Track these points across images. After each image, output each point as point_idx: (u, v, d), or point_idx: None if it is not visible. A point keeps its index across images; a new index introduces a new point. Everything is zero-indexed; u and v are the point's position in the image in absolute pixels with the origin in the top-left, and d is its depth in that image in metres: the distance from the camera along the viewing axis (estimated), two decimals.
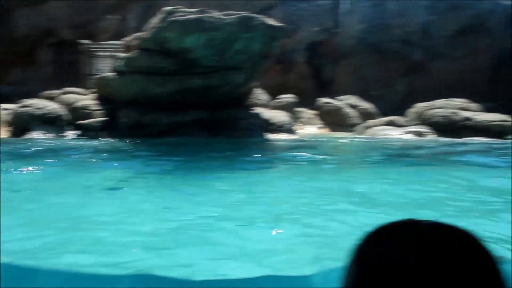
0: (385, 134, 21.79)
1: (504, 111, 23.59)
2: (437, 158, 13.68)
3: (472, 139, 20.21)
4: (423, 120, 22.48)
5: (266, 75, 23.64)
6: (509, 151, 15.05)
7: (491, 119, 21.94)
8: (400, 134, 21.61)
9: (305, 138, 19.98)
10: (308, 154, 13.33)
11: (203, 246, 4.32)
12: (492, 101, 28.89)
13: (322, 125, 24.86)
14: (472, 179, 8.97)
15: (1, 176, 7.89)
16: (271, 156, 13.87)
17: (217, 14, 18.67)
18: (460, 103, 23.55)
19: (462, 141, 19.61)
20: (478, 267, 0.67)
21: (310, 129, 24.04)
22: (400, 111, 24.79)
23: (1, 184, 7.03)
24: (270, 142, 18.35)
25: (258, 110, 21.61)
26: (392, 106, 28.94)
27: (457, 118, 21.96)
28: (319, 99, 25.97)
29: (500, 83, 32.17)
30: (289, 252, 4.27)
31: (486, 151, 15.41)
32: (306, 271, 3.75)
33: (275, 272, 3.71)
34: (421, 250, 0.66)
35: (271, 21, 19.29)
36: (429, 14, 31.25)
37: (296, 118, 23.96)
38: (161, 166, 10.59)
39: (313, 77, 29.32)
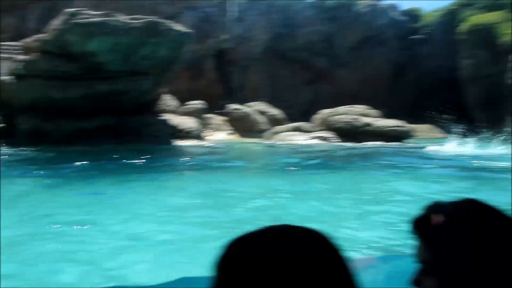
0: (292, 140, 22.31)
1: (399, 117, 25.49)
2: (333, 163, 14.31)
3: (373, 143, 21.43)
4: (327, 125, 23.32)
5: (175, 81, 23.43)
6: (398, 154, 16.29)
7: (389, 125, 23.26)
8: (306, 140, 22.21)
9: (213, 145, 19.98)
10: (211, 160, 13.38)
11: None
12: (389, 107, 31.03)
13: (231, 131, 25.06)
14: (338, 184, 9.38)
15: None
16: (168, 164, 13.39)
17: (123, 18, 18.20)
18: (361, 109, 24.67)
19: (361, 145, 20.72)
20: (325, 265, 0.74)
21: (220, 135, 24.13)
22: (307, 117, 25.67)
23: None
24: (177, 149, 18.13)
25: (166, 116, 21.30)
26: (299, 112, 29.98)
27: (358, 123, 23.02)
28: (228, 105, 26.21)
29: (396, 91, 34.84)
30: None
31: (369, 154, 16.26)
32: None
33: None
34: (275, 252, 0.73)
35: (179, 27, 19.20)
36: (332, 25, 32.83)
37: (205, 124, 23.96)
38: (46, 176, 9.98)
39: (222, 84, 29.50)
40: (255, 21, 29.98)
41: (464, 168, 12.53)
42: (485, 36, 28.42)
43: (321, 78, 32.47)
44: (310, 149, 18.52)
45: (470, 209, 1.01)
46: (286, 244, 0.76)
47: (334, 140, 22.26)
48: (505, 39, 27.54)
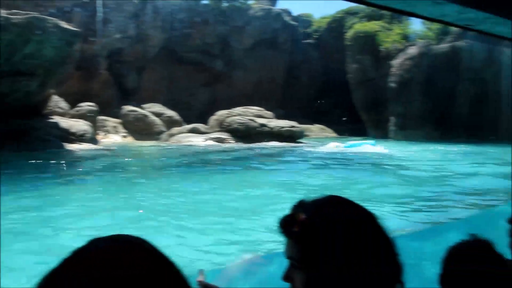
0: (188, 141, 22.21)
1: (294, 118, 26.51)
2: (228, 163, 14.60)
3: (267, 144, 22.09)
4: (223, 127, 23.53)
5: (66, 82, 22.30)
6: (292, 153, 17.07)
7: (282, 125, 23.98)
8: (202, 141, 22.25)
9: (106, 148, 19.35)
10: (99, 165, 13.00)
11: None
12: (284, 109, 32.02)
13: (126, 134, 24.47)
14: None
15: None
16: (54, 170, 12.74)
17: (1, 12, 16.93)
18: (256, 110, 25.19)
19: (255, 145, 21.26)
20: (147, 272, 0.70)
21: (114, 138, 23.42)
22: (204, 119, 25.72)
23: None
24: (68, 153, 17.25)
25: (56, 119, 20.20)
26: (196, 114, 29.97)
27: (253, 125, 23.47)
28: (123, 107, 25.53)
29: (290, 92, 36.03)
30: None
31: (247, 156, 16.76)
32: None
33: None
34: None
35: (66, 25, 18.31)
36: (227, 27, 33.17)
37: (99, 127, 23.12)
38: None
39: (117, 85, 28.58)
40: (150, 21, 29.34)
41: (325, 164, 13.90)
42: (368, 43, 30.34)
43: (218, 80, 32.64)
44: (198, 150, 18.67)
45: (332, 205, 1.06)
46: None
47: (229, 141, 22.51)
48: (385, 46, 29.70)
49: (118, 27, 27.56)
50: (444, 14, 1.57)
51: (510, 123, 24.76)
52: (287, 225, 1.06)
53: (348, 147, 19.74)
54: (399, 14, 1.72)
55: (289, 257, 1.06)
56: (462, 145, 21.64)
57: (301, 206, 1.07)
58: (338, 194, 1.07)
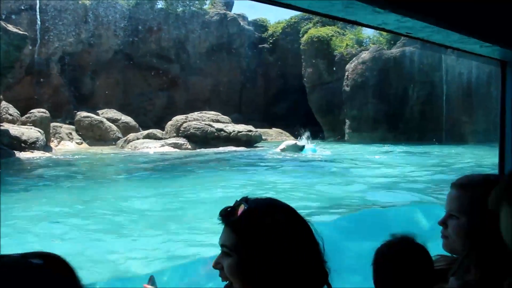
0: (144, 148, 21.88)
1: (250, 122, 26.63)
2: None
3: (224, 149, 22.07)
4: (180, 132, 23.26)
5: (14, 87, 21.62)
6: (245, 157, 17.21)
7: (239, 130, 23.98)
8: (158, 147, 21.94)
9: (59, 155, 18.88)
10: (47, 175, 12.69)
11: None
12: (240, 113, 32.00)
13: (81, 141, 23.91)
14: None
15: None
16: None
17: None
18: (213, 115, 25.09)
19: (210, 151, 21.24)
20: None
21: (69, 145, 22.84)
22: (161, 125, 25.38)
23: None
24: (18, 162, 16.71)
25: (6, 126, 19.51)
26: (153, 119, 29.88)
27: (210, 129, 23.34)
28: (78, 113, 24.94)
29: (247, 97, 36.14)
30: None
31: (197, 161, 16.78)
32: None
33: None
34: None
35: (12, 28, 17.72)
36: (183, 31, 32.93)
37: (52, 133, 22.47)
38: None
39: (71, 90, 27.83)
40: (103, 25, 28.76)
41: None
42: (322, 47, 30.88)
43: (175, 84, 32.31)
44: (152, 157, 18.48)
45: (270, 205, 1.21)
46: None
47: (186, 147, 22.34)
48: (340, 50, 30.33)
49: (70, 30, 26.81)
50: (385, 23, 1.62)
51: (450, 125, 26.01)
52: (227, 214, 1.20)
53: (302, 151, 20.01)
54: (343, 22, 1.80)
55: (222, 245, 1.19)
56: (410, 147, 22.25)
57: (243, 200, 1.21)
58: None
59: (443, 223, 1.60)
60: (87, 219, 7.18)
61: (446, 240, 1.61)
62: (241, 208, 1.19)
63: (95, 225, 6.83)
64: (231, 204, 1.22)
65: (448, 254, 1.63)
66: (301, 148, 20.12)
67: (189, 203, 8.58)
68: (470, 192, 1.54)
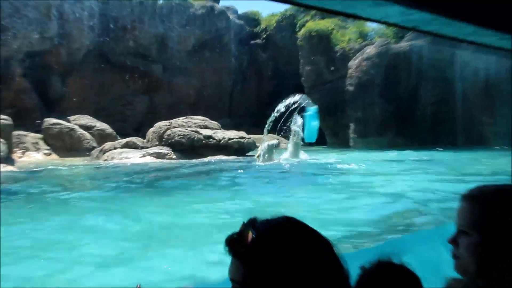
0: (123, 158, 21.39)
1: (242, 127, 26.14)
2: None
3: (212, 158, 21.60)
4: (163, 140, 22.81)
5: None
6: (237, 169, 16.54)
7: (231, 137, 23.51)
8: (139, 157, 21.49)
9: (23, 168, 18.11)
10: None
11: None
12: (230, 117, 31.81)
13: (50, 151, 23.29)
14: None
15: None
16: None
17: None
18: (200, 120, 24.65)
19: (198, 161, 20.71)
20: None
21: (35, 156, 22.18)
22: (142, 132, 25.10)
23: None
24: None
25: None
26: (132, 126, 29.67)
27: (198, 137, 22.86)
28: (46, 119, 24.31)
29: (239, 99, 35.85)
30: None
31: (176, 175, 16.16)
32: None
33: None
34: None
35: None
36: (166, 27, 32.62)
37: (15, 143, 21.77)
38: None
39: (37, 94, 27.17)
40: (74, 20, 28.16)
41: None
42: (322, 42, 30.57)
43: (157, 86, 32.13)
44: (132, 169, 17.87)
45: (284, 228, 1.14)
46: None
47: (170, 157, 21.85)
48: (341, 45, 29.89)
49: (35, 25, 26.09)
50: (388, 16, 1.63)
51: (467, 126, 25.59)
52: (234, 244, 1.13)
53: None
54: (341, 16, 1.76)
55: (232, 279, 1.13)
56: (423, 152, 21.98)
57: (251, 225, 1.15)
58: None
59: (454, 241, 1.61)
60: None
61: (457, 260, 1.61)
62: (250, 235, 1.12)
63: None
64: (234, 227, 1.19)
65: (461, 276, 1.61)
66: (277, 145, 20.17)
67: (162, 227, 7.81)
68: (482, 205, 1.54)
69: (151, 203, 10.15)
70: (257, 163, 19.17)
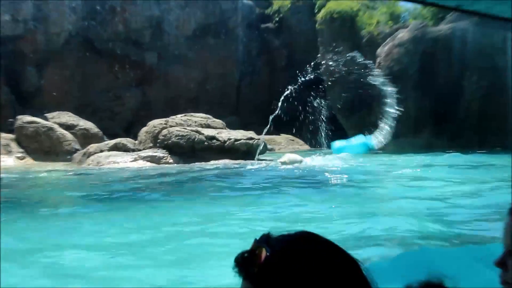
0: (111, 163, 21.35)
1: (251, 127, 26.15)
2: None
3: (216, 163, 21.55)
4: (158, 142, 22.77)
5: None
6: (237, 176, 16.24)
7: (238, 137, 23.40)
8: (130, 162, 21.44)
9: None
10: None
11: None
12: (237, 115, 31.72)
13: (23, 154, 23.34)
14: None
15: None
16: None
17: None
18: (201, 118, 24.66)
19: (199, 166, 20.65)
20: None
21: (6, 160, 22.08)
22: (134, 131, 25.18)
23: None
24: None
25: None
26: (122, 124, 29.73)
27: (199, 137, 22.79)
28: (19, 117, 24.31)
29: (248, 93, 35.74)
30: None
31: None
32: None
33: None
34: None
35: None
36: (161, 9, 32.66)
37: None
38: None
39: (8, 87, 27.27)
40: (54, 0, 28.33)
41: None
42: (345, 26, 30.52)
43: (150, 78, 32.28)
44: (123, 176, 17.73)
45: (303, 245, 1.17)
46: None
47: (167, 161, 21.83)
48: (368, 30, 29.73)
49: (6, 6, 26.22)
50: None
51: None
52: (245, 263, 1.15)
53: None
54: None
55: None
56: (469, 156, 21.82)
57: (265, 241, 1.17)
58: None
59: (501, 263, 1.64)
60: None
61: (507, 286, 1.64)
62: (263, 253, 1.14)
63: None
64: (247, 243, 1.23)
65: None
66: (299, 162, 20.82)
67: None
68: None
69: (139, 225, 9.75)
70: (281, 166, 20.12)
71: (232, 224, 9.14)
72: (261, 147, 23.64)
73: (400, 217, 9.28)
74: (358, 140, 25.95)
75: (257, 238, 1.18)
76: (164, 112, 26.23)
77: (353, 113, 30.14)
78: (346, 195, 12.66)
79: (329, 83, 31.23)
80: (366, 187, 14.26)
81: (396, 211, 10.06)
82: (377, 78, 28.04)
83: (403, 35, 27.73)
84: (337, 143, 25.58)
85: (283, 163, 20.49)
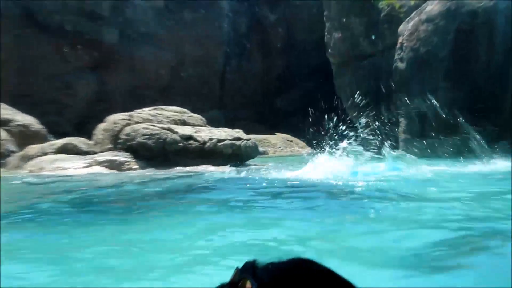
0: (58, 169, 21.12)
1: (238, 124, 26.30)
2: None
3: (195, 169, 21.39)
4: (120, 142, 22.87)
5: None
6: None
7: (222, 137, 23.64)
8: (83, 167, 21.28)
9: None
10: None
11: None
12: (221, 108, 31.65)
13: None
14: None
15: None
16: None
17: None
18: (176, 113, 24.87)
19: (174, 173, 20.45)
20: None
21: None
22: (86, 129, 25.40)
23: None
24: None
25: None
26: (72, 120, 29.69)
27: (172, 137, 22.96)
28: None
29: (232, 82, 35.91)
30: None
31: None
32: None
33: None
34: None
35: None
36: None
37: None
38: None
39: None
40: None
41: None
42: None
43: (110, 61, 32.27)
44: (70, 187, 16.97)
45: (298, 276, 1.17)
46: None
47: (129, 167, 21.81)
48: (388, 1, 29.93)
49: None
50: None
51: None
52: None
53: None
54: None
55: None
56: None
57: (250, 271, 1.19)
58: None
59: None
60: None
61: None
62: (247, 286, 1.16)
63: None
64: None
65: None
66: None
67: None
68: None
69: None
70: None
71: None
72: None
73: None
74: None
75: (240, 267, 1.20)
76: (127, 104, 26.41)
77: (368, 107, 29.87)
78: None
79: (337, 69, 31.35)
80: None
81: None
82: (398, 62, 27.89)
83: (432, 8, 27.48)
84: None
85: None
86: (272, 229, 10.17)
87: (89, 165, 21.43)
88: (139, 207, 13.67)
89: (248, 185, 17.14)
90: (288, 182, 17.44)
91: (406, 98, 27.67)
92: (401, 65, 27.92)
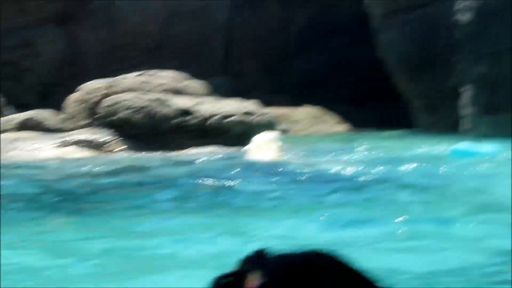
0: (20, 151, 21.90)
1: (249, 94, 26.96)
2: None
3: (195, 153, 22.11)
4: (98, 117, 23.37)
5: None
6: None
7: (228, 112, 24.05)
8: (53, 148, 22.00)
9: None
10: None
11: None
12: (226, 74, 31.94)
13: None
14: None
15: None
16: None
17: None
18: (168, 80, 25.08)
19: (169, 156, 21.41)
20: None
21: None
22: (55, 100, 25.94)
23: None
24: None
25: None
26: (35, 88, 30.39)
27: (164, 111, 23.36)
28: None
29: (239, 41, 36.05)
30: None
31: None
32: None
33: None
34: None
35: None
36: None
37: None
38: None
39: None
40: None
41: None
42: None
43: (82, 13, 32.66)
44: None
45: (312, 270, 1.23)
46: None
47: (110, 148, 22.54)
48: None
49: None
50: None
51: None
52: None
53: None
54: None
55: None
56: None
57: (256, 262, 1.26)
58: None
59: None
60: None
61: None
62: (254, 280, 1.20)
63: None
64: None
65: None
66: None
67: None
68: None
69: None
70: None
71: None
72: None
73: None
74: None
75: (245, 258, 1.28)
76: (105, 69, 27.06)
77: (421, 73, 30.57)
78: None
79: (380, 22, 31.69)
80: None
81: None
82: (461, 14, 28.40)
83: None
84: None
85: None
86: None
87: (60, 145, 22.09)
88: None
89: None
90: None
91: (470, 62, 28.63)
92: (465, 17, 28.35)
